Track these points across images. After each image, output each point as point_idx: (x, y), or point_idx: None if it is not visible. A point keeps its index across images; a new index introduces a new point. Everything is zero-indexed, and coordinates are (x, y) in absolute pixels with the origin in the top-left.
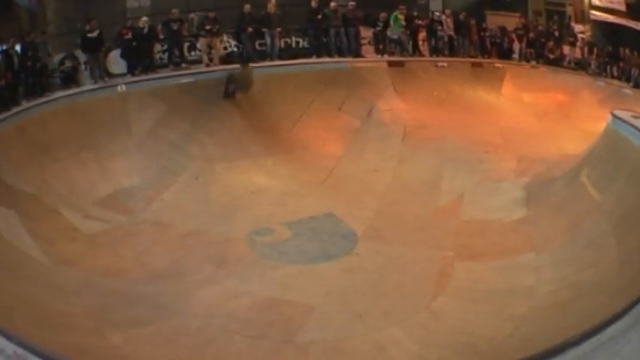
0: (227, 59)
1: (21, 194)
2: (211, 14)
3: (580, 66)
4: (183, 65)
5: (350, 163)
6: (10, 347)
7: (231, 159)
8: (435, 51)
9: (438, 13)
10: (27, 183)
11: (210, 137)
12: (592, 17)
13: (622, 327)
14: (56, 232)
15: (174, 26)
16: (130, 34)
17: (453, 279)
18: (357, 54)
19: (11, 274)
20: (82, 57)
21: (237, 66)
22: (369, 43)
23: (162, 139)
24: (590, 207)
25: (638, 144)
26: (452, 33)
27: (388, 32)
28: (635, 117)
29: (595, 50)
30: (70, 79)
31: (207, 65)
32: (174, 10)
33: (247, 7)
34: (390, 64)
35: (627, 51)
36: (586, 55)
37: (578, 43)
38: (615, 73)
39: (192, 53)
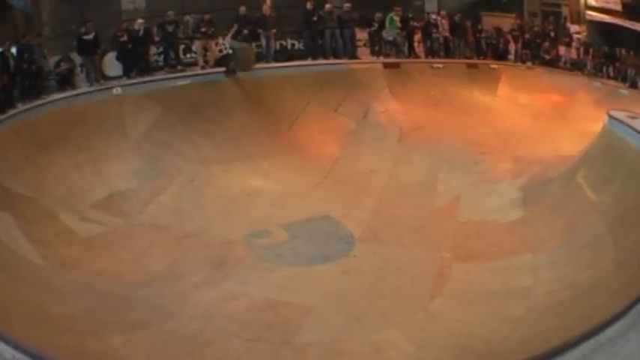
0: (222, 61)
1: (17, 197)
2: (207, 16)
3: (576, 66)
4: (179, 67)
5: (346, 165)
6: (8, 351)
7: (228, 161)
8: (430, 52)
9: (433, 16)
10: (23, 186)
11: (206, 139)
12: (588, 17)
13: (621, 328)
14: (53, 235)
15: (170, 28)
16: (125, 36)
17: (450, 280)
18: (353, 55)
19: (9, 276)
20: (77, 59)
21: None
22: (364, 44)
23: (158, 142)
24: (586, 208)
25: (635, 144)
26: (447, 34)
27: (384, 34)
28: (632, 117)
29: (591, 51)
30: (66, 81)
31: (203, 68)
32: (170, 13)
33: (242, 9)
34: (386, 65)
35: (623, 51)
36: (582, 55)
37: (574, 44)
38: (611, 74)
39: (188, 55)
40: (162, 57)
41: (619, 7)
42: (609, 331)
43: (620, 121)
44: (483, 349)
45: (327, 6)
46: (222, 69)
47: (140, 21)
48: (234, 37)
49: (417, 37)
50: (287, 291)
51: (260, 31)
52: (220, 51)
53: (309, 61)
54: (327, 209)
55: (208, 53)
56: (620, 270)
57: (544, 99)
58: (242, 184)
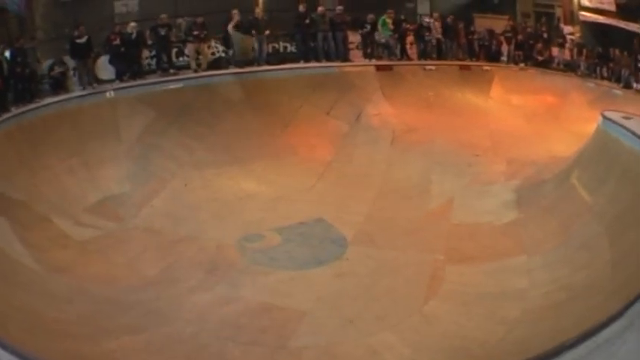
0: (215, 64)
1: (12, 202)
2: (199, 19)
3: (569, 67)
4: (172, 71)
5: (339, 168)
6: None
7: (221, 164)
8: (423, 55)
9: (427, 19)
10: (17, 190)
11: (199, 143)
12: (581, 18)
13: (617, 329)
14: (47, 239)
15: (162, 32)
16: (118, 39)
17: (444, 282)
18: (345, 58)
19: (5, 282)
20: (70, 63)
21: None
22: (356, 47)
23: (151, 146)
24: (581, 209)
25: (629, 145)
26: (440, 36)
27: (376, 36)
28: (626, 118)
29: (584, 51)
30: (59, 85)
31: (195, 71)
32: (163, 16)
33: (235, 13)
34: (378, 68)
35: (617, 51)
36: (575, 56)
37: (567, 45)
38: (605, 74)
39: (181, 59)
40: (154, 60)
41: (613, 8)
42: (606, 332)
43: (615, 122)
44: (479, 351)
45: (320, 9)
46: (216, 72)
47: (133, 24)
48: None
49: (410, 39)
50: (281, 295)
51: (253, 32)
52: (213, 54)
53: (301, 64)
54: (320, 212)
55: (201, 56)
56: (616, 271)
57: (537, 100)
58: (235, 188)
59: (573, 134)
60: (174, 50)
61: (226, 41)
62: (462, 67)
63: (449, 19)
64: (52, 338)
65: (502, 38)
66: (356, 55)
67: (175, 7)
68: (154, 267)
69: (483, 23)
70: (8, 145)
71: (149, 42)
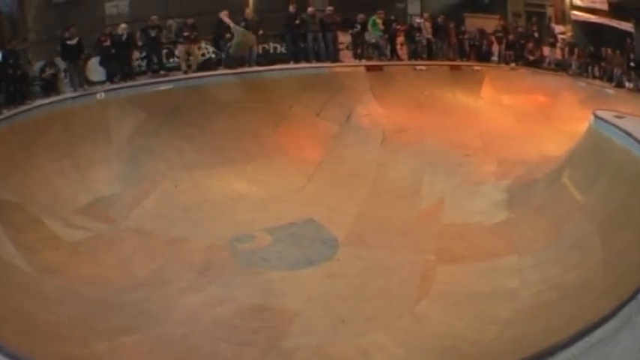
0: (205, 66)
1: (3, 203)
2: (189, 21)
3: (560, 67)
4: (162, 72)
5: (329, 169)
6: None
7: (211, 165)
8: (413, 55)
9: (418, 20)
10: (9, 192)
11: (190, 144)
12: (573, 17)
13: (611, 329)
14: (39, 241)
15: (153, 33)
16: (108, 41)
17: (435, 283)
18: (335, 59)
19: None
20: (62, 65)
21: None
22: (347, 47)
23: (141, 147)
24: (572, 208)
25: (621, 144)
26: (430, 36)
27: (366, 36)
28: (619, 117)
29: (576, 51)
30: (51, 86)
31: (186, 72)
32: (154, 17)
33: (225, 14)
34: (368, 68)
35: (609, 51)
36: (567, 55)
37: (559, 44)
38: (597, 74)
39: (171, 60)
40: (145, 61)
41: (605, 7)
42: (599, 332)
43: (606, 121)
44: (471, 350)
45: (310, 9)
46: (206, 73)
47: (123, 26)
48: (214, 40)
49: (400, 39)
50: (272, 295)
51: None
52: (203, 55)
53: (291, 65)
54: (310, 213)
55: (191, 58)
56: (608, 270)
57: (528, 100)
58: (225, 189)
59: (564, 134)
60: (165, 51)
61: (216, 42)
62: (452, 67)
63: (439, 19)
64: (44, 340)
65: (493, 38)
66: (346, 55)
67: (166, 9)
68: (144, 268)
69: (474, 23)
70: (0, 147)
71: (139, 43)
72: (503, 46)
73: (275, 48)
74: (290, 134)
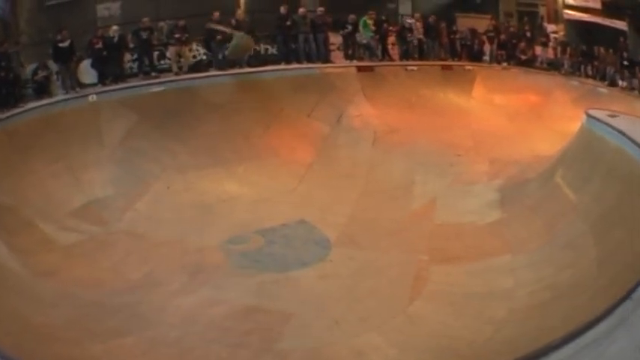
0: (196, 67)
1: None
2: (181, 22)
3: (553, 66)
4: (153, 74)
5: (321, 170)
6: None
7: (203, 167)
8: (405, 55)
9: (409, 20)
10: (3, 194)
11: (182, 146)
12: (566, 17)
13: (605, 328)
14: (33, 243)
15: (144, 35)
16: (100, 43)
17: (429, 283)
18: (326, 60)
19: None
20: (54, 67)
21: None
22: (338, 48)
23: (134, 149)
24: (565, 208)
25: (614, 143)
26: (421, 36)
27: (357, 37)
28: (612, 116)
29: (568, 50)
30: (43, 89)
31: (177, 74)
32: (145, 19)
33: (216, 15)
34: (360, 69)
35: (602, 49)
36: (559, 55)
37: (551, 44)
38: (589, 72)
39: (162, 62)
40: (136, 64)
41: (598, 5)
42: (593, 332)
43: (599, 120)
44: (467, 350)
45: (301, 10)
46: (197, 75)
47: (115, 28)
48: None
49: (391, 39)
50: (265, 297)
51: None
52: (194, 57)
53: (282, 66)
54: (302, 214)
55: (182, 59)
56: (602, 270)
57: (520, 99)
58: (218, 191)
59: (557, 133)
60: (156, 53)
61: (207, 44)
62: (443, 67)
63: (431, 19)
64: (40, 342)
65: (484, 38)
66: (337, 56)
67: (157, 10)
68: (138, 270)
69: (466, 23)
70: None
71: (131, 45)
72: (494, 46)
73: (266, 49)
74: (281, 135)
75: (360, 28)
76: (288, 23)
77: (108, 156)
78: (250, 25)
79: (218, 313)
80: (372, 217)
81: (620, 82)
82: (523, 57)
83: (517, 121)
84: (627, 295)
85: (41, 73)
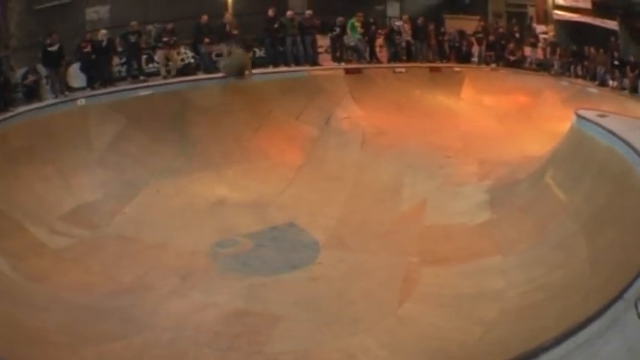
0: (184, 71)
1: None
2: (169, 26)
3: (542, 67)
4: (142, 78)
5: (310, 172)
6: None
7: (192, 170)
8: (393, 57)
9: (397, 22)
10: None
11: (170, 149)
12: (555, 17)
13: (598, 328)
14: (24, 248)
15: (132, 39)
16: (89, 47)
17: (419, 284)
18: (314, 62)
19: None
20: (43, 71)
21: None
22: (325, 51)
23: (123, 153)
24: (556, 208)
25: (605, 143)
26: (409, 38)
27: (345, 39)
28: (602, 116)
29: (558, 50)
30: (33, 93)
31: (165, 77)
32: (133, 23)
33: (204, 18)
34: (347, 71)
35: (592, 49)
36: (548, 55)
37: (540, 44)
38: (579, 73)
39: (150, 65)
40: (124, 67)
41: (589, 5)
42: (586, 332)
43: (589, 120)
44: (458, 352)
45: (289, 13)
46: (185, 78)
47: (103, 31)
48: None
49: (379, 41)
50: (255, 300)
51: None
52: (182, 60)
53: (270, 69)
54: (291, 217)
55: (170, 63)
56: (594, 270)
57: (509, 100)
58: (206, 194)
59: (547, 133)
60: (144, 57)
61: (195, 47)
62: (432, 69)
63: (419, 21)
64: (33, 347)
65: (473, 39)
66: (325, 58)
67: (145, 14)
68: (128, 274)
69: (454, 24)
70: None
71: (119, 49)
72: (483, 47)
73: (254, 52)
74: (270, 138)
75: (348, 30)
76: (276, 26)
77: (97, 160)
78: (248, 43)
79: (208, 317)
80: (362, 219)
81: (610, 82)
82: (512, 58)
83: (506, 122)
84: (620, 296)
85: (31, 78)
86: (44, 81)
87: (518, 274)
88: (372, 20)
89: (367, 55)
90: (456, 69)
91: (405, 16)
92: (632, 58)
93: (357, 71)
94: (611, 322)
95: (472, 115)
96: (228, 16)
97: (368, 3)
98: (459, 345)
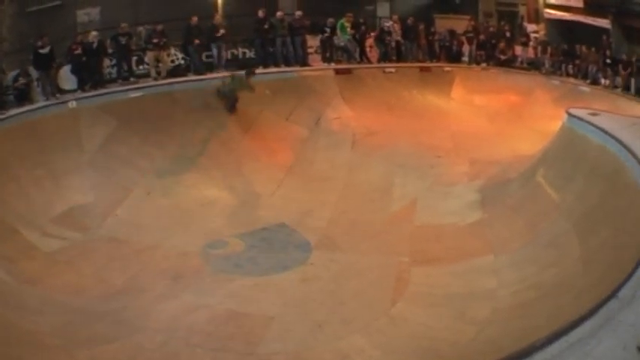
0: (174, 72)
1: None
2: (159, 27)
3: (533, 66)
4: (132, 79)
5: (300, 173)
6: None
7: (183, 172)
8: (383, 57)
9: (387, 23)
10: None
11: (161, 151)
12: (546, 16)
13: (591, 327)
14: (16, 250)
15: (123, 40)
16: (79, 49)
17: (410, 284)
18: (304, 63)
19: None
20: (35, 74)
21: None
22: (315, 51)
23: (113, 155)
24: (547, 207)
25: (597, 141)
26: (399, 38)
27: (335, 39)
28: (593, 114)
29: (549, 49)
30: (24, 96)
31: (155, 79)
32: (124, 25)
33: (194, 20)
34: (337, 71)
35: (584, 48)
36: (539, 54)
37: (531, 43)
38: (571, 71)
39: (141, 67)
40: (115, 69)
41: (580, 4)
42: (578, 331)
43: (580, 119)
44: (449, 351)
45: (279, 14)
46: (175, 80)
47: (94, 33)
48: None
49: (369, 41)
50: (247, 301)
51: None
52: (172, 62)
53: (260, 70)
54: (282, 217)
55: (160, 64)
56: (588, 268)
57: (500, 100)
58: (197, 195)
59: (538, 132)
60: (135, 58)
61: (185, 49)
62: (422, 69)
63: (409, 21)
64: (27, 350)
65: (463, 38)
66: (315, 59)
67: (136, 15)
68: (120, 276)
69: (444, 24)
70: None
71: (110, 51)
72: (474, 47)
73: (244, 53)
74: (260, 139)
75: (338, 30)
76: (266, 27)
77: (88, 162)
78: (252, 70)
79: (200, 318)
80: (352, 219)
81: (602, 81)
82: (502, 57)
83: (497, 122)
84: (613, 294)
85: (22, 80)
86: (35, 83)
87: (510, 273)
88: (362, 20)
89: (357, 55)
90: (447, 69)
91: (395, 16)
92: (624, 57)
93: (347, 72)
94: (604, 321)
95: (463, 115)
96: (218, 17)
97: (358, 3)
98: (450, 345)
